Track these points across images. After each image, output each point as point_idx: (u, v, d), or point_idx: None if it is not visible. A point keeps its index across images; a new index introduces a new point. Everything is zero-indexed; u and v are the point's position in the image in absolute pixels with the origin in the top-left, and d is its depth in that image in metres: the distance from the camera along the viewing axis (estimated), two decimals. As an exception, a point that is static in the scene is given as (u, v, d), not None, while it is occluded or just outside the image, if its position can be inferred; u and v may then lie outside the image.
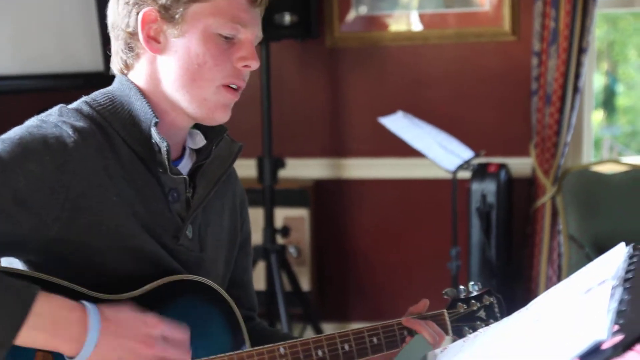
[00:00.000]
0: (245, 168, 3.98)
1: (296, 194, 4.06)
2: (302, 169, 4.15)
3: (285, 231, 3.93)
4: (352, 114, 4.13)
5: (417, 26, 4.04)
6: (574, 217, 3.76)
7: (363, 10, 4.06)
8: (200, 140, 1.59)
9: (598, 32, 5.09)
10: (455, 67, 4.02)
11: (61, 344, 1.31)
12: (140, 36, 1.48)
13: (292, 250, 4.03)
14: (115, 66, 1.56)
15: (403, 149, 3.73)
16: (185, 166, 1.57)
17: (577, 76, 3.77)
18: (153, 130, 1.47)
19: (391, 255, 4.16)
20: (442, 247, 3.83)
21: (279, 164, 3.85)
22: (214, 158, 1.58)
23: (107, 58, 3.73)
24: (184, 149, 1.58)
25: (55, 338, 1.30)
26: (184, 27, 1.47)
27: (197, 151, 1.59)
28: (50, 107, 1.51)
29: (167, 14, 1.47)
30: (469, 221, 3.71)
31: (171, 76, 1.49)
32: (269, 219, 3.83)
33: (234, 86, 1.51)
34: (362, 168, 4.14)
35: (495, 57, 3.98)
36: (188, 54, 1.47)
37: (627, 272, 1.23)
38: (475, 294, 1.72)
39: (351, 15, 4.06)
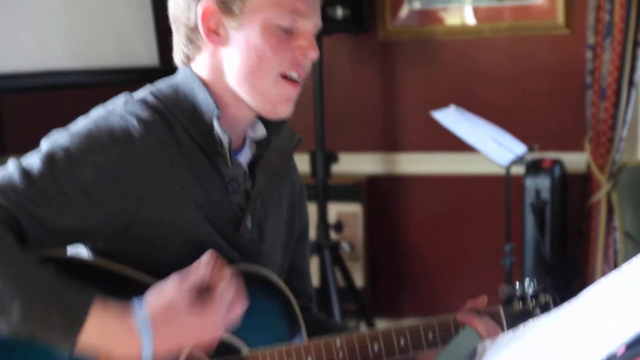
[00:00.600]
0: (298, 163, 3.96)
1: (349, 189, 4.06)
2: (355, 164, 4.15)
3: (338, 227, 3.94)
4: (404, 108, 4.12)
5: (470, 20, 4.02)
6: (630, 213, 3.71)
7: (416, 4, 4.05)
8: (260, 131, 1.60)
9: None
10: (508, 60, 3.99)
11: (120, 354, 1.34)
12: (201, 29, 1.50)
13: (345, 246, 4.03)
14: (178, 58, 1.58)
15: (456, 144, 3.71)
16: (245, 156, 1.59)
17: (633, 70, 3.72)
18: (215, 123, 1.49)
19: (444, 251, 4.15)
20: (495, 243, 3.80)
21: (332, 158, 3.86)
22: (274, 149, 1.59)
23: (162, 53, 3.77)
24: (244, 139, 1.60)
25: (112, 350, 1.34)
26: (243, 19, 1.49)
27: (258, 142, 1.61)
28: (105, 102, 1.53)
29: (226, 7, 1.49)
30: (523, 217, 3.68)
31: (233, 68, 1.51)
32: (322, 214, 3.84)
33: (294, 77, 1.51)
34: (414, 162, 4.13)
35: (549, 51, 3.94)
36: (247, 46, 1.49)
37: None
38: (531, 291, 1.70)
39: (404, 9, 4.05)
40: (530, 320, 1.68)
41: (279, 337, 1.56)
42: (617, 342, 1.06)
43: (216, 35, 1.50)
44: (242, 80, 1.51)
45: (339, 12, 3.76)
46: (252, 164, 1.59)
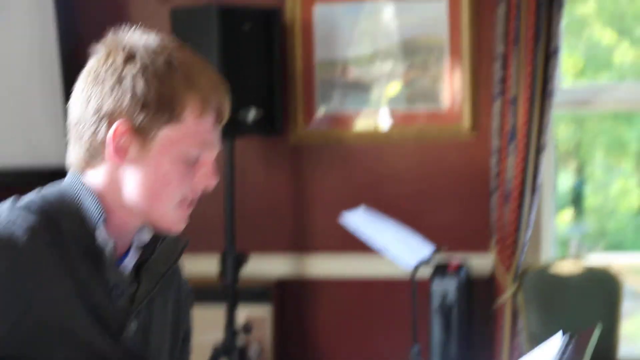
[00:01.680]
0: (207, 264, 3.98)
1: (258, 291, 4.04)
2: (265, 265, 4.14)
3: (247, 330, 3.89)
4: (315, 209, 4.15)
5: (383, 123, 4.09)
6: (535, 316, 3.76)
7: (328, 108, 4.12)
8: (147, 235, 1.61)
9: (565, 133, 5.19)
10: (417, 164, 4.07)
11: None
12: (109, 146, 1.50)
13: (254, 349, 3.98)
14: (72, 162, 1.56)
15: (365, 245, 3.74)
16: (130, 261, 1.58)
17: (536, 174, 3.82)
18: (99, 230, 1.49)
19: (353, 354, 4.12)
20: (403, 345, 3.80)
21: (242, 259, 3.84)
22: (160, 253, 1.60)
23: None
24: (130, 242, 1.60)
25: None
26: (154, 145, 1.50)
27: (143, 246, 1.61)
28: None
29: (139, 131, 1.49)
30: (429, 319, 3.70)
31: (134, 188, 1.52)
32: (231, 317, 3.80)
33: (190, 200, 1.55)
34: (324, 264, 4.14)
35: (456, 155, 4.03)
36: (155, 170, 1.51)
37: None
38: None
39: (318, 113, 4.12)
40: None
41: None
42: None
43: (123, 154, 1.51)
44: (142, 201, 1.52)
45: (252, 114, 3.80)
46: (137, 267, 1.58)
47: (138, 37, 1.54)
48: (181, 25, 3.79)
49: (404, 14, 4.06)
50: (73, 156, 1.56)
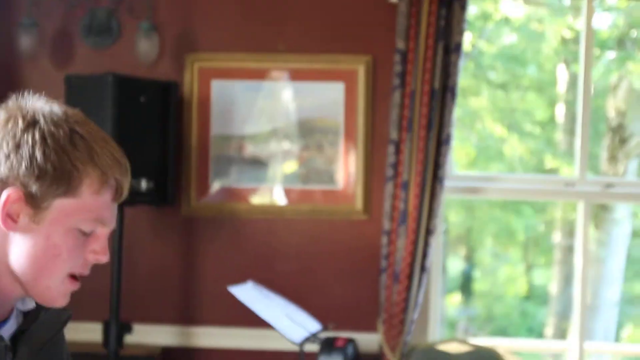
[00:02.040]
0: (90, 332, 3.91)
1: (142, 361, 3.98)
2: (150, 336, 4.09)
3: (127, 400, 3.83)
4: (204, 282, 4.14)
5: (275, 201, 4.14)
6: (418, 395, 3.79)
7: (223, 182, 4.15)
8: (29, 302, 1.56)
9: (456, 219, 5.36)
10: (308, 241, 4.11)
11: None
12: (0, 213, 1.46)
13: (133, 420, 3.91)
14: None
15: (254, 320, 3.72)
16: (10, 328, 1.53)
17: (425, 256, 3.90)
18: None
19: None
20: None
21: (126, 328, 3.79)
22: (40, 323, 1.55)
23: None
24: (12, 310, 1.54)
25: None
26: (47, 216, 1.46)
27: (25, 314, 1.56)
28: None
29: (32, 200, 1.45)
30: (314, 395, 3.69)
31: (21, 257, 1.47)
32: (112, 386, 3.73)
33: (77, 275, 1.51)
34: (212, 337, 4.11)
35: (347, 234, 4.09)
36: (45, 242, 1.46)
37: None
38: None
39: (209, 185, 4.14)
40: None
41: None
42: None
43: (13, 222, 1.46)
44: (28, 271, 1.47)
45: (143, 184, 3.79)
46: (16, 336, 1.53)
47: (41, 105, 1.50)
48: (76, 93, 3.77)
49: (302, 95, 4.15)
50: None
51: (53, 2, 4.13)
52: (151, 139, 3.89)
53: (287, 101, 4.16)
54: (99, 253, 1.51)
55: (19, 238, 1.47)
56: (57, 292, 1.50)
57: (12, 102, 1.51)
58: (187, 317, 4.13)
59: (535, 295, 7.10)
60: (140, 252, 4.13)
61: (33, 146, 1.44)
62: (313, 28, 4.13)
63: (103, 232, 1.51)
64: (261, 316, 3.57)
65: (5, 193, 1.45)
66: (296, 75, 4.14)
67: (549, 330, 6.86)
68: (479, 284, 7.18)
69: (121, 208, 3.82)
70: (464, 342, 4.00)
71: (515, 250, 7.18)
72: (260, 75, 4.16)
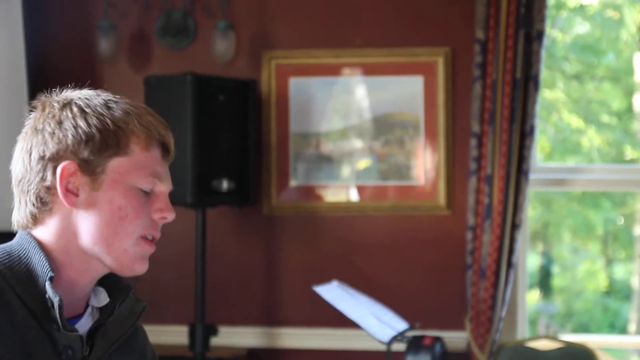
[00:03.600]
0: (176, 335, 3.90)
1: (229, 363, 3.95)
2: (235, 337, 4.06)
3: (214, 402, 3.80)
4: (287, 282, 4.10)
5: (354, 198, 4.09)
6: (509, 394, 3.71)
7: (302, 180, 4.11)
8: (104, 299, 1.56)
9: (533, 213, 5.22)
10: (391, 238, 4.04)
11: None
12: (59, 190, 1.46)
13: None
14: (19, 221, 1.52)
15: (338, 319, 3.68)
16: (85, 324, 1.52)
17: (511, 252, 3.81)
18: (47, 284, 1.43)
19: None
20: (375, 421, 3.73)
21: (212, 330, 3.77)
22: (116, 317, 1.54)
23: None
24: (86, 306, 1.54)
25: None
26: (104, 179, 1.48)
27: (101, 309, 1.55)
28: None
29: (87, 168, 1.47)
30: (403, 395, 3.62)
31: (90, 231, 1.47)
32: (199, 388, 3.71)
33: (149, 237, 1.52)
34: (296, 338, 4.07)
35: (430, 230, 4.02)
36: (109, 207, 1.47)
37: None
38: None
39: (290, 184, 4.10)
40: None
41: None
42: None
43: (74, 196, 1.47)
44: (102, 241, 1.48)
45: (225, 184, 3.77)
46: (93, 331, 1.52)
47: (70, 91, 1.55)
48: (155, 94, 3.76)
49: (379, 89, 4.08)
50: (20, 216, 1.51)
51: (128, 4, 4.13)
52: (231, 138, 3.86)
53: (364, 97, 4.10)
54: (164, 210, 1.52)
55: (84, 214, 1.48)
56: (133, 254, 1.50)
57: (40, 98, 1.55)
58: (271, 317, 4.10)
59: (616, 290, 6.93)
60: (223, 253, 4.10)
61: (74, 118, 1.48)
62: (389, 21, 4.06)
63: (162, 190, 1.53)
64: (347, 315, 3.52)
65: (59, 167, 1.46)
66: (374, 70, 4.08)
67: (632, 326, 6.69)
68: (558, 280, 7.04)
69: (202, 209, 3.80)
70: (553, 339, 3.91)
71: (594, 245, 7.02)
72: (337, 71, 4.10)
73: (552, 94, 6.21)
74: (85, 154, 1.46)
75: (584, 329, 6.67)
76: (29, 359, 1.41)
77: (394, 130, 4.07)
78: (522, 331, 4.03)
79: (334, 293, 3.59)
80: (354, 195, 4.10)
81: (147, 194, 1.51)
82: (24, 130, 1.53)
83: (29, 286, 1.44)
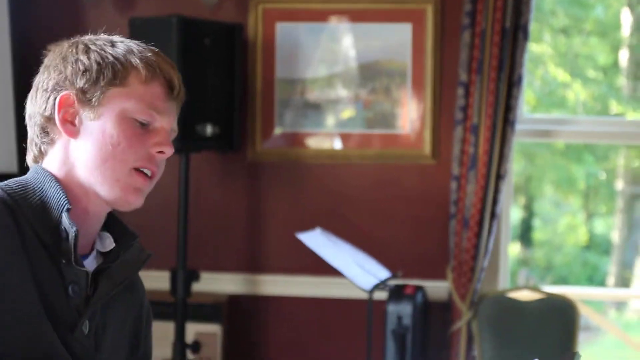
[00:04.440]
0: (158, 280, 3.88)
1: (209, 309, 3.95)
2: (216, 283, 4.05)
3: (196, 347, 3.81)
4: (270, 229, 4.08)
5: (339, 146, 4.06)
6: (490, 343, 3.73)
7: (287, 127, 4.07)
8: (109, 244, 1.58)
9: (516, 167, 5.21)
10: (375, 187, 4.03)
11: None
12: (57, 119, 1.50)
13: (201, 366, 3.89)
14: (30, 157, 1.57)
15: (320, 267, 3.69)
16: (90, 265, 1.53)
17: (495, 202, 3.81)
18: (64, 215, 1.45)
19: (304, 375, 4.06)
20: (356, 368, 3.74)
21: (193, 276, 3.76)
22: (121, 263, 1.56)
23: (21, 159, 3.64)
24: (92, 248, 1.56)
25: None
26: (101, 110, 1.50)
27: (105, 254, 1.57)
28: None
29: (84, 97, 1.50)
30: (384, 343, 3.64)
31: (85, 158, 1.50)
32: (180, 333, 3.71)
33: (147, 172, 1.52)
34: (278, 285, 4.07)
35: (415, 180, 4.00)
36: (103, 135, 1.49)
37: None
38: None
39: (275, 131, 4.07)
40: None
41: None
42: None
43: (71, 125, 1.51)
44: (95, 169, 1.50)
45: (209, 129, 3.73)
46: (97, 273, 1.53)
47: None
48: (140, 36, 3.65)
49: (367, 37, 4.04)
50: (30, 150, 1.57)
51: (113, -56, 4.04)
52: (216, 83, 3.81)
53: (351, 43, 4.05)
54: (162, 144, 1.53)
55: (81, 143, 1.51)
56: (126, 184, 1.51)
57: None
58: (254, 264, 4.09)
59: (596, 245, 6.98)
60: (206, 199, 4.08)
61: (77, 53, 1.53)
62: (379, -33, 4.00)
63: (162, 125, 1.54)
64: (330, 263, 3.52)
65: (58, 97, 1.51)
66: (362, 17, 4.03)
67: (610, 279, 6.75)
68: (539, 233, 7.08)
69: (186, 154, 3.77)
70: (535, 289, 3.92)
71: (576, 199, 7.05)
72: (324, 17, 4.05)
73: (539, 47, 6.18)
74: (81, 83, 1.50)
75: (563, 282, 6.73)
76: (37, 288, 1.43)
77: (380, 78, 4.04)
78: (504, 282, 4.04)
79: (317, 241, 3.59)
80: (338, 144, 4.07)
81: (145, 127, 1.52)
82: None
83: (43, 217, 1.47)
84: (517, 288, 3.93)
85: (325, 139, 4.09)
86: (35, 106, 1.54)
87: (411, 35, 3.99)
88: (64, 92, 1.51)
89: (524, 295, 3.85)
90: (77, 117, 1.51)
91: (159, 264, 3.93)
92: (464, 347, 3.79)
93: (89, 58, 1.52)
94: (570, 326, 3.71)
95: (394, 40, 4.01)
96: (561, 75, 6.33)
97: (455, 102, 3.87)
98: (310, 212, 4.03)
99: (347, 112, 4.08)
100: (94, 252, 1.56)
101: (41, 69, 1.57)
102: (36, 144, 1.54)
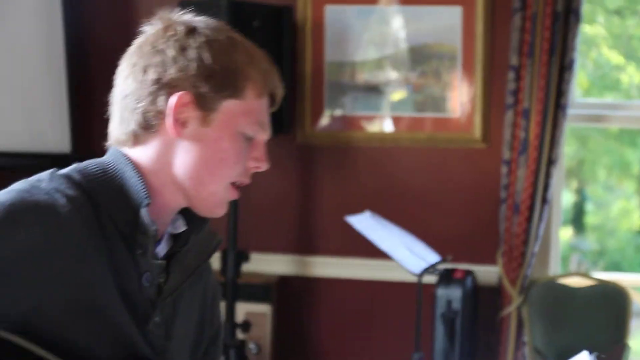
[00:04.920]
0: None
1: (259, 289, 3.99)
2: (266, 264, 4.09)
3: (245, 326, 3.84)
4: (320, 211, 4.10)
5: (389, 129, 4.06)
6: (540, 329, 3.71)
7: (337, 109, 4.08)
8: (180, 226, 1.55)
9: (568, 150, 5.15)
10: (425, 170, 4.02)
11: None
12: (170, 118, 1.45)
13: (252, 346, 3.93)
14: (118, 137, 1.50)
15: (370, 250, 3.69)
16: (161, 250, 1.52)
17: (546, 187, 3.77)
18: (144, 212, 1.43)
19: (353, 356, 4.07)
20: (405, 351, 3.74)
21: (243, 257, 3.80)
22: (191, 247, 1.53)
23: (75, 140, 3.72)
24: (163, 233, 1.54)
25: None
26: (215, 119, 1.46)
27: (175, 237, 1.55)
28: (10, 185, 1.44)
29: (202, 102, 1.45)
30: (433, 327, 3.64)
31: (187, 164, 1.47)
32: (230, 313, 3.75)
33: (238, 184, 1.51)
34: (327, 266, 4.09)
35: (465, 163, 3.98)
36: (214, 146, 1.46)
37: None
38: None
39: (324, 113, 4.07)
40: None
41: None
42: None
43: (182, 127, 1.46)
44: (196, 177, 1.47)
45: (260, 112, 3.74)
46: (168, 258, 1.52)
47: (193, 16, 1.51)
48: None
49: (417, 19, 4.02)
50: (120, 132, 1.50)
51: None
52: (266, 65, 3.81)
53: (401, 26, 4.04)
54: (260, 160, 1.52)
55: (187, 145, 1.46)
56: (220, 198, 1.50)
57: (163, 14, 1.52)
58: (303, 246, 4.11)
59: (650, 230, 6.88)
60: (256, 181, 4.08)
61: (199, 48, 1.45)
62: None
63: (262, 139, 1.52)
64: (379, 246, 3.52)
65: (175, 96, 1.45)
66: (411, 0, 4.01)
67: (664, 266, 6.66)
68: (592, 218, 6.99)
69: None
70: (586, 275, 3.89)
71: (630, 183, 6.94)
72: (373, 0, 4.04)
73: (592, 29, 6.08)
74: (204, 88, 1.45)
75: (615, 267, 6.63)
76: (115, 278, 1.41)
77: (430, 62, 4.01)
78: (555, 267, 4.01)
79: (366, 223, 3.59)
80: (388, 126, 4.07)
81: (249, 140, 1.49)
82: (137, 44, 1.50)
83: (122, 207, 1.44)
84: (568, 274, 3.90)
85: (375, 122, 4.08)
86: (141, 91, 1.46)
87: (461, 18, 3.96)
88: (182, 92, 1.44)
89: (575, 281, 3.82)
90: (190, 120, 1.45)
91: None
92: (513, 333, 3.77)
93: (213, 59, 1.45)
94: (622, 313, 3.67)
95: (444, 23, 3.99)
96: (615, 57, 6.22)
97: (506, 86, 3.83)
98: (360, 195, 4.04)
99: (397, 95, 4.06)
100: (166, 235, 1.54)
101: (146, 46, 1.48)
102: (134, 131, 1.48)
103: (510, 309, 3.78)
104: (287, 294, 4.10)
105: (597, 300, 3.72)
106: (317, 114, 4.08)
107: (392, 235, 3.56)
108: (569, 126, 4.01)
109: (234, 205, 3.78)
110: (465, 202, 3.98)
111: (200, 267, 1.56)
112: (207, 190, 1.48)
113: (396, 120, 4.05)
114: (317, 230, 4.10)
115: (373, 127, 4.08)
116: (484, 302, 3.87)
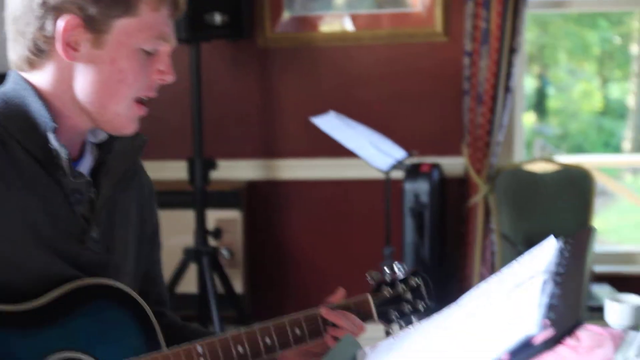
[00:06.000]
0: (176, 170, 3.93)
1: (228, 196, 4.01)
2: (234, 171, 4.10)
3: (217, 233, 3.87)
4: (284, 114, 4.09)
5: (349, 27, 4.02)
6: (507, 216, 3.78)
7: (295, 10, 4.03)
8: (101, 134, 1.53)
9: (529, 36, 5.15)
10: (387, 67, 4.01)
11: None
12: (59, 42, 1.41)
13: (224, 252, 3.97)
14: (15, 61, 1.47)
15: (336, 150, 3.71)
16: (86, 163, 1.52)
17: (509, 76, 3.79)
18: (51, 137, 1.41)
19: (324, 255, 4.13)
20: (375, 246, 3.81)
21: (210, 165, 3.79)
22: (117, 153, 1.53)
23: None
24: (83, 144, 1.53)
25: None
26: (108, 39, 1.42)
27: (99, 145, 1.54)
28: None
29: (92, 24, 1.41)
30: (402, 221, 3.70)
31: (87, 86, 1.43)
32: (201, 221, 3.77)
33: (144, 99, 1.48)
34: (295, 169, 4.11)
35: (427, 58, 3.98)
36: (110, 67, 1.42)
37: (557, 266, 1.22)
38: (401, 276, 1.68)
39: (284, 16, 4.03)
40: (404, 306, 1.66)
41: (135, 349, 1.49)
42: (501, 349, 1.05)
43: (74, 51, 1.41)
44: (97, 101, 1.44)
45: (218, 18, 3.69)
46: (95, 170, 1.52)
47: None
48: None
49: None
50: (15, 56, 1.47)
51: None
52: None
53: None
54: (165, 72, 1.48)
55: (83, 68, 1.43)
56: (125, 118, 1.47)
57: None
58: (270, 150, 4.12)
59: (611, 110, 6.94)
60: (219, 88, 4.07)
61: None
62: None
63: (165, 50, 1.48)
64: (346, 145, 3.53)
65: (62, 20, 1.40)
66: None
67: (626, 144, 6.74)
68: (554, 102, 7.03)
69: (197, 44, 3.74)
70: (550, 161, 3.94)
71: (591, 65, 6.97)
72: None
73: None
74: (92, 10, 1.40)
75: (579, 149, 6.72)
76: (39, 207, 1.41)
77: (387, -45, 3.96)
78: (519, 154, 4.06)
79: (331, 124, 3.59)
80: (348, 25, 4.03)
81: (149, 54, 1.45)
82: None
83: (31, 134, 1.42)
84: (532, 160, 3.95)
85: (335, 20, 4.05)
86: (29, 15, 1.41)
87: None
88: (69, 16, 1.40)
89: (540, 167, 3.87)
90: (82, 43, 1.41)
91: (176, 154, 3.98)
92: (481, 221, 3.85)
93: None
94: (586, 195, 3.74)
95: None
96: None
97: (465, -24, 3.80)
98: (323, 96, 4.04)
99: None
100: (88, 147, 1.52)
101: None
102: (27, 57, 1.44)
103: (478, 198, 3.84)
104: (257, 199, 4.13)
105: (562, 185, 3.78)
106: (276, 16, 4.03)
107: (358, 134, 3.57)
108: (529, 12, 4.00)
109: (197, 113, 3.76)
110: (428, 97, 3.99)
111: (130, 171, 1.57)
112: (110, 112, 1.45)
113: (356, 18, 4.02)
114: (282, 134, 4.11)
115: (333, 26, 4.05)
116: (451, 193, 3.93)
